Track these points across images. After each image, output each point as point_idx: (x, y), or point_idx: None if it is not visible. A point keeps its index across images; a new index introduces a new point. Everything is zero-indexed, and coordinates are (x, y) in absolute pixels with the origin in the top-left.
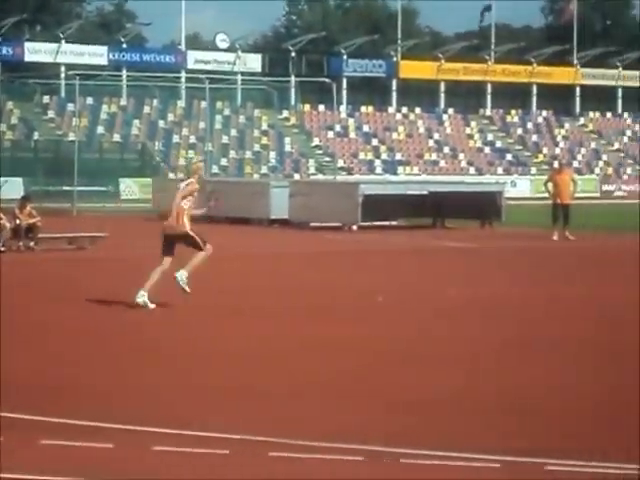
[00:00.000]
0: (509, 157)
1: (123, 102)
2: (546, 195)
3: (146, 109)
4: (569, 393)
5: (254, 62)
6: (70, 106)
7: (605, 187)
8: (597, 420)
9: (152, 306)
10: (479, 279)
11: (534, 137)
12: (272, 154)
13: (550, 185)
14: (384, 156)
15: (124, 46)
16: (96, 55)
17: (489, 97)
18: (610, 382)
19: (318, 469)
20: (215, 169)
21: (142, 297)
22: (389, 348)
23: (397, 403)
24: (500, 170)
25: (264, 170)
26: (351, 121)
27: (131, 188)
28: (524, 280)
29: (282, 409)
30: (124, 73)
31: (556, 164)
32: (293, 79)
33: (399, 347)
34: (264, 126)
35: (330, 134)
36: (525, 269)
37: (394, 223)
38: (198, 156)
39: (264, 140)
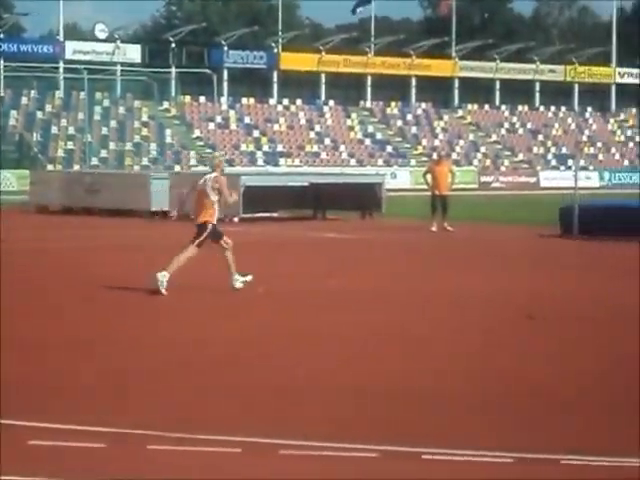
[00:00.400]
0: (389, 149)
1: (0, 93)
2: (425, 187)
3: (24, 100)
4: (402, 381)
5: (134, 53)
6: None
7: (483, 178)
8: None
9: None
10: (357, 270)
11: (414, 129)
12: (152, 146)
13: (429, 177)
14: (265, 148)
15: (1, 36)
16: None
17: (369, 89)
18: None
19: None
20: (95, 161)
21: (163, 277)
22: (258, 338)
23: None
24: (380, 162)
25: (145, 162)
26: (232, 112)
27: (9, 180)
28: (401, 271)
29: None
30: (1, 63)
31: (435, 156)
32: (173, 70)
33: (265, 337)
34: (144, 117)
35: (211, 126)
36: (403, 260)
37: (275, 215)
38: (219, 152)
39: (144, 131)
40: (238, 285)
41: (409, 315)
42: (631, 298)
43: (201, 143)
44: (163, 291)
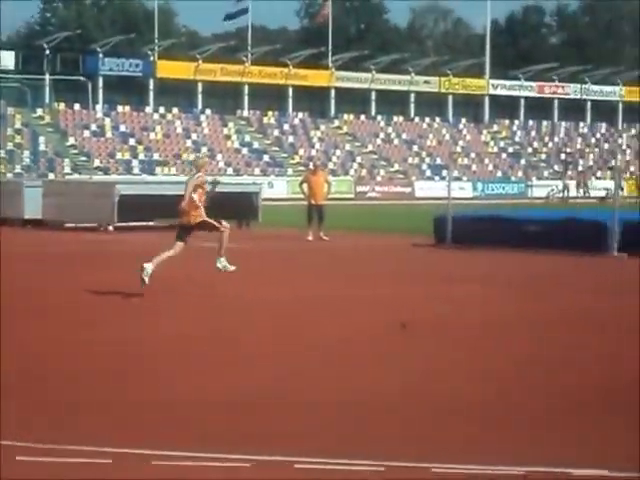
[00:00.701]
0: (266, 158)
1: None
2: (302, 196)
3: None
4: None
5: (7, 59)
6: None
7: (359, 188)
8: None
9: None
10: (230, 278)
11: (290, 138)
12: (26, 153)
13: (305, 186)
14: (141, 156)
15: None
16: None
17: (246, 98)
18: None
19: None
20: None
21: (147, 270)
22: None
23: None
24: (257, 171)
25: (18, 169)
26: (107, 120)
27: None
28: (275, 279)
29: None
30: None
31: (311, 165)
32: (48, 77)
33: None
34: (18, 124)
35: (86, 133)
36: (278, 268)
37: (151, 223)
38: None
39: (18, 139)
40: (220, 266)
41: (283, 321)
42: (501, 306)
43: (75, 151)
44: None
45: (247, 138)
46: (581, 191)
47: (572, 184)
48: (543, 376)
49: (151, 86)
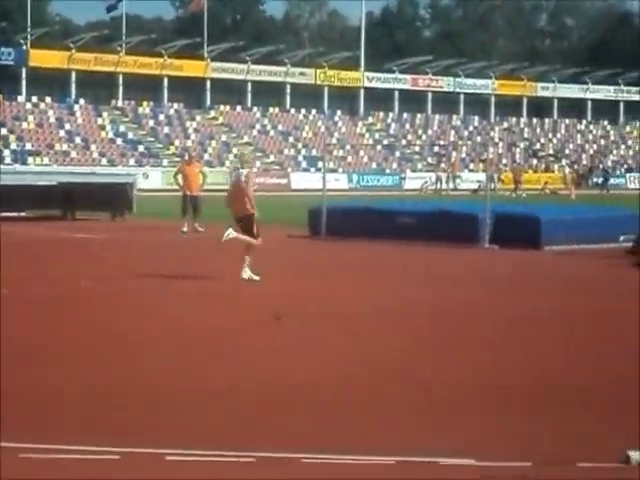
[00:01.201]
0: (141, 149)
1: None
2: (177, 187)
3: None
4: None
5: None
6: None
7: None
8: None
9: (257, 278)
10: (103, 270)
11: (166, 129)
12: None
13: (180, 177)
14: (13, 146)
15: None
16: None
17: (121, 88)
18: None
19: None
20: None
21: (246, 273)
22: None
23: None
24: (132, 161)
25: None
26: None
27: None
28: (147, 271)
29: None
30: None
31: (186, 156)
32: None
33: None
34: None
35: None
36: (151, 260)
37: (23, 214)
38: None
39: None
40: (244, 276)
41: (153, 312)
42: (377, 298)
43: None
44: (256, 278)
45: (122, 128)
46: (450, 184)
47: (445, 176)
48: (410, 368)
49: (24, 75)
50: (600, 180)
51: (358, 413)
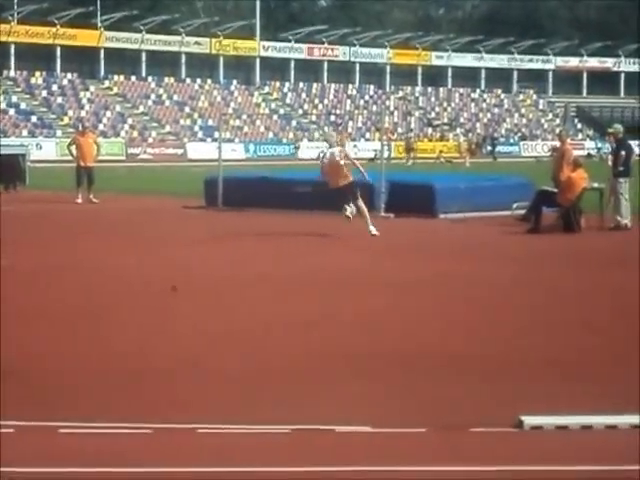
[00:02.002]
0: (34, 119)
1: None
2: (71, 158)
3: None
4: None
5: None
6: None
7: (131, 150)
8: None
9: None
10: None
11: (59, 99)
12: None
13: (73, 148)
14: None
15: None
16: None
17: (13, 58)
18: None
19: None
20: None
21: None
22: None
23: None
24: (25, 132)
25: None
26: None
27: None
28: (42, 243)
29: None
30: None
31: (80, 127)
32: None
33: None
34: None
35: None
36: (46, 232)
37: None
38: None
39: None
40: (348, 213)
41: (46, 287)
42: (286, 263)
43: None
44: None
45: (14, 99)
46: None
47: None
48: (293, 334)
49: None
50: (489, 148)
51: (252, 383)
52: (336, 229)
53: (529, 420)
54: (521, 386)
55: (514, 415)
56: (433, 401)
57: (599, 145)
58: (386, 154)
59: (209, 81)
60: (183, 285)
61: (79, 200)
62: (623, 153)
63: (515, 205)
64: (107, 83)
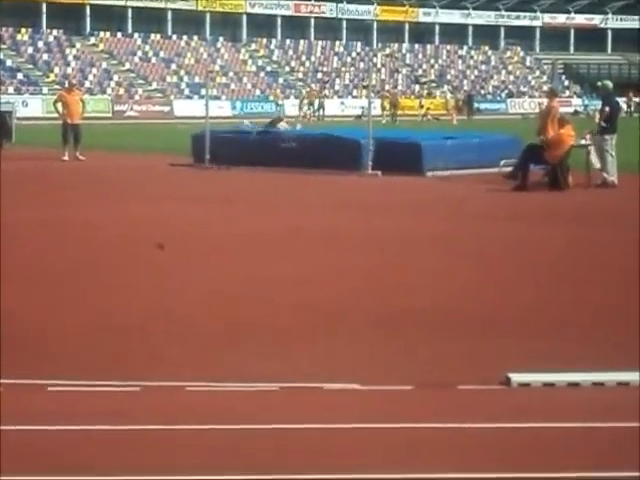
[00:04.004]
0: (20, 76)
1: None
2: (57, 115)
3: None
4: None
5: None
6: None
7: (117, 107)
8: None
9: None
10: None
11: (45, 56)
12: None
13: (59, 105)
14: None
15: None
16: None
17: None
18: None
19: None
20: None
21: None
22: None
23: None
24: (11, 89)
25: None
26: None
27: None
28: (26, 201)
29: None
30: None
31: (66, 84)
32: None
33: None
34: None
35: None
36: (31, 189)
37: None
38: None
39: None
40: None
41: (26, 245)
42: (275, 220)
43: None
44: None
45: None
46: (307, 109)
47: (328, 103)
48: (281, 292)
49: None
50: (475, 106)
51: (238, 341)
52: (323, 185)
53: (516, 377)
54: (509, 344)
55: (502, 372)
56: (420, 359)
57: (586, 102)
58: (373, 112)
59: (195, 38)
60: (169, 242)
61: (66, 157)
62: (608, 109)
63: (502, 162)
64: (93, 40)
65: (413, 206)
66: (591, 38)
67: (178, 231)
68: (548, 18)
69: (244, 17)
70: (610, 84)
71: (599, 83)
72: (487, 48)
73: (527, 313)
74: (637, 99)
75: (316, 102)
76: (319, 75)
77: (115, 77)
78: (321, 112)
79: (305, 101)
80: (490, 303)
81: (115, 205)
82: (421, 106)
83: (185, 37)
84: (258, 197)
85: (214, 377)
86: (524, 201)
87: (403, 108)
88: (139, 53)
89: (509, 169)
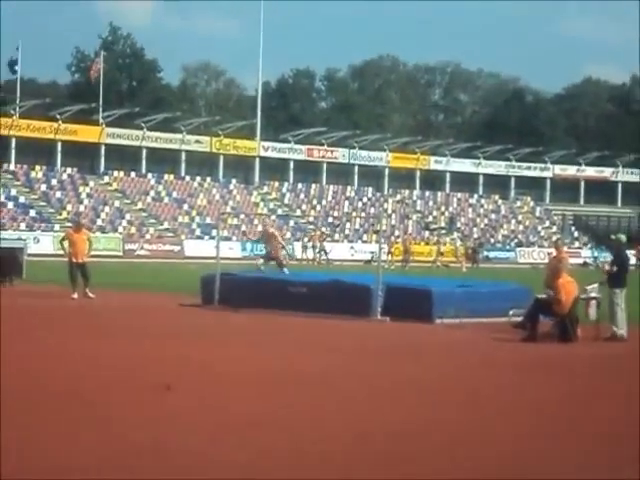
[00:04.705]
0: (32, 213)
1: None
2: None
3: None
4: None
5: None
6: None
7: (128, 246)
8: None
9: None
10: None
11: (58, 194)
12: None
13: (66, 243)
14: None
15: None
16: None
17: (13, 152)
18: None
19: None
20: None
21: None
22: None
23: None
24: (23, 226)
25: None
26: None
27: None
28: (35, 338)
29: None
30: None
31: (72, 223)
32: None
33: None
34: None
35: None
36: (42, 328)
37: None
38: None
39: None
40: None
41: (38, 377)
42: (275, 362)
43: None
44: None
45: (13, 192)
46: (315, 253)
47: (338, 247)
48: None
49: None
50: (485, 254)
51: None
52: (326, 330)
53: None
54: None
55: None
56: None
57: (595, 254)
58: (384, 257)
59: (208, 179)
60: (177, 382)
61: (75, 296)
62: (619, 263)
63: (512, 312)
64: (107, 179)
65: (415, 351)
66: (601, 190)
67: (186, 370)
68: (559, 170)
69: (257, 160)
70: (624, 237)
71: (612, 236)
72: (497, 197)
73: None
74: None
75: (322, 245)
76: (330, 219)
77: (127, 216)
78: (323, 256)
79: (309, 244)
80: (502, 448)
81: (119, 343)
82: (440, 253)
83: (198, 178)
84: (262, 339)
85: None
86: (530, 352)
87: (413, 254)
88: (152, 193)
89: (518, 319)
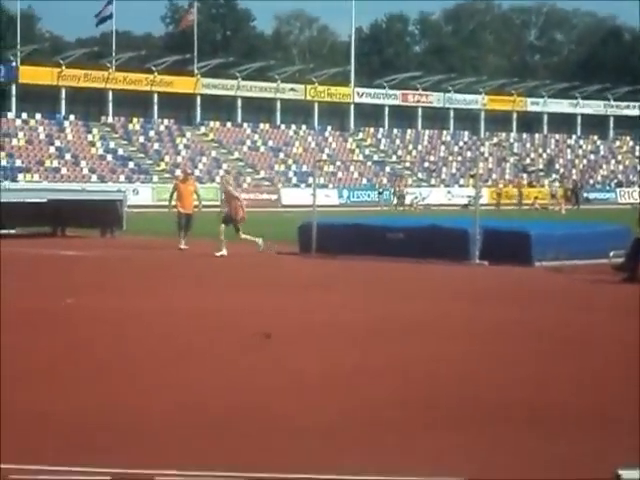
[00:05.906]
0: (131, 165)
1: None
2: (166, 203)
3: None
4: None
5: None
6: None
7: None
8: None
9: None
10: (94, 288)
11: (156, 145)
12: None
13: (174, 195)
14: (3, 163)
15: None
16: None
17: (111, 105)
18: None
19: None
20: None
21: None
22: None
23: None
24: (122, 178)
25: None
26: None
27: None
28: (139, 290)
29: None
30: None
31: (179, 172)
32: None
33: None
34: None
35: None
36: (148, 278)
37: (12, 231)
38: None
39: None
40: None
41: (153, 333)
42: (372, 311)
43: None
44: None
45: (112, 145)
46: (395, 200)
47: (435, 191)
48: (368, 382)
49: (13, 92)
50: (584, 195)
51: (334, 433)
52: (425, 275)
53: (627, 474)
54: (617, 438)
55: (611, 469)
56: (522, 454)
57: None
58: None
59: (304, 127)
60: (274, 330)
61: (182, 246)
62: None
63: (612, 253)
64: (203, 129)
65: (518, 295)
66: None
67: (283, 320)
68: None
69: (352, 107)
70: None
71: None
72: (596, 137)
73: (633, 407)
74: None
75: (403, 190)
76: (426, 164)
77: (224, 166)
78: (399, 201)
79: (392, 190)
80: (596, 396)
81: (222, 294)
82: (520, 195)
83: (293, 126)
84: (360, 286)
85: (315, 469)
86: (631, 293)
87: (511, 197)
88: (248, 142)
89: (619, 260)
